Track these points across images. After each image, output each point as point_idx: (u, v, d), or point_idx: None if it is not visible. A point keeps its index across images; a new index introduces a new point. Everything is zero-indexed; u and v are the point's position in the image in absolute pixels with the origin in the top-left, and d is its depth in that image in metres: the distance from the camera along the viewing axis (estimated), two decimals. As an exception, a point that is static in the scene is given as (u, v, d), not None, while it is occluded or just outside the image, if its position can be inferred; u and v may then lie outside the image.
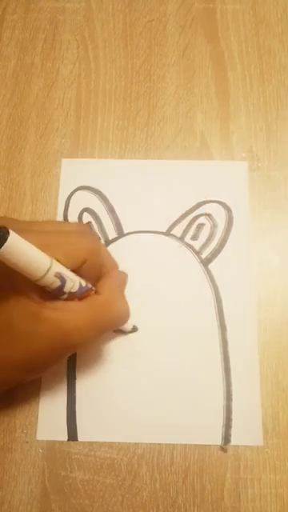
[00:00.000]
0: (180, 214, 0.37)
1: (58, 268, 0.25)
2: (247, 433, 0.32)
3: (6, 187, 0.38)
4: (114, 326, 0.31)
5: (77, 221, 0.36)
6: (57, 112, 0.40)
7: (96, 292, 0.29)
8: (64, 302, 0.27)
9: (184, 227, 0.37)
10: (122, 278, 0.32)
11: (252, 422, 0.32)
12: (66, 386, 0.33)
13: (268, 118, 0.40)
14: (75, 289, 0.27)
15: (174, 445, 0.32)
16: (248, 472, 0.31)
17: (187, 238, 0.36)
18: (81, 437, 0.32)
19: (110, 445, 0.32)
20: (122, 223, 0.37)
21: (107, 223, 0.37)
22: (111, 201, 0.37)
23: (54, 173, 0.38)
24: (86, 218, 0.37)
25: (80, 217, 0.37)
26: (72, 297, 0.27)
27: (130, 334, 0.34)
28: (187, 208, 0.37)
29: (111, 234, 0.36)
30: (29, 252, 0.23)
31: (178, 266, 0.36)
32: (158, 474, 0.31)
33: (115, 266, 0.33)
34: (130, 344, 0.34)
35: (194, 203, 0.37)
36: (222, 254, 0.36)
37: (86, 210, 0.37)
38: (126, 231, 0.36)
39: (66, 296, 0.26)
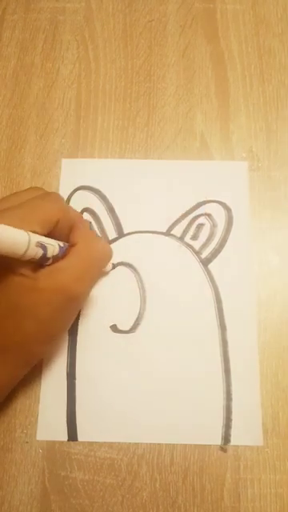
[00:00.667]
0: (180, 214, 0.37)
1: (37, 237, 0.27)
2: (247, 433, 0.32)
3: (6, 187, 0.38)
4: (103, 263, 0.34)
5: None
6: (57, 112, 0.40)
7: (72, 245, 0.30)
8: (51, 266, 0.29)
9: (184, 227, 0.37)
10: (87, 222, 0.35)
11: (252, 422, 0.32)
12: (65, 386, 0.33)
13: (268, 118, 0.40)
14: (56, 251, 0.29)
15: (173, 445, 0.32)
16: (248, 472, 0.31)
17: (187, 238, 0.36)
18: (81, 437, 0.32)
19: (110, 445, 0.32)
20: (122, 223, 0.37)
21: (107, 223, 0.37)
22: (111, 201, 0.37)
23: (54, 173, 0.38)
24: (86, 217, 0.37)
25: (80, 217, 0.37)
26: (56, 259, 0.29)
27: (130, 335, 0.34)
28: (187, 208, 0.37)
29: (111, 234, 0.36)
30: (5, 234, 0.24)
31: (177, 266, 0.36)
32: (158, 474, 0.31)
33: (80, 216, 0.35)
34: (130, 344, 0.34)
35: (193, 203, 0.37)
36: (221, 253, 0.36)
37: (86, 209, 0.37)
38: (126, 231, 0.36)
39: (50, 261, 0.28)
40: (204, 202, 0.37)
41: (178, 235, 0.36)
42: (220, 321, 0.34)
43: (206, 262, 0.36)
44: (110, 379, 0.33)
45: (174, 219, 0.37)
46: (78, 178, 0.38)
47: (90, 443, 0.32)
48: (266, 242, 0.36)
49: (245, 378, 0.33)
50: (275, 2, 0.44)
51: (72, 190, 0.38)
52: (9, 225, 0.25)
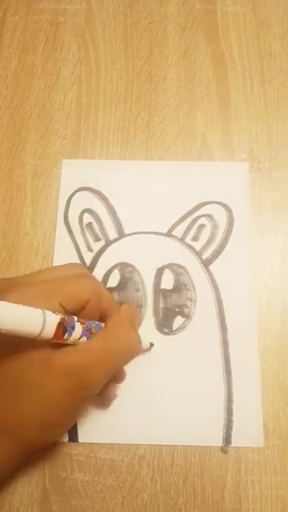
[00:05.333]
0: (181, 215, 0.37)
1: (57, 318, 0.24)
2: (248, 434, 0.32)
3: (6, 188, 0.38)
4: (126, 357, 0.30)
5: (71, 262, 0.35)
6: (58, 113, 0.40)
7: (105, 327, 0.28)
8: (72, 345, 0.26)
9: (185, 228, 0.37)
10: (132, 312, 0.31)
11: (253, 424, 0.32)
12: (66, 387, 0.33)
13: (269, 119, 0.40)
14: (78, 334, 0.26)
15: (174, 446, 0.31)
16: (249, 473, 0.31)
17: (188, 239, 0.36)
18: (81, 438, 0.32)
19: (111, 446, 0.32)
20: (122, 224, 0.37)
21: (108, 224, 0.37)
22: (112, 202, 0.37)
23: (54, 174, 0.38)
24: (87, 218, 0.37)
25: (80, 217, 0.37)
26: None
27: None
28: (188, 209, 0.37)
29: (112, 234, 0.36)
30: (17, 316, 0.22)
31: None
32: (159, 475, 0.31)
33: (119, 304, 0.32)
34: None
35: (194, 204, 0.37)
36: (222, 255, 0.36)
37: (86, 210, 0.37)
38: (126, 232, 0.36)
39: (73, 342, 0.26)
40: (205, 203, 0.37)
41: (179, 236, 0.36)
42: (221, 322, 0.34)
43: (206, 263, 0.36)
44: (110, 380, 0.33)
45: (175, 220, 0.37)
46: (79, 179, 0.38)
47: (91, 444, 0.32)
48: (266, 242, 0.36)
49: (246, 379, 0.33)
50: (276, 3, 0.44)
51: (73, 191, 0.38)
52: (30, 298, 0.24)
